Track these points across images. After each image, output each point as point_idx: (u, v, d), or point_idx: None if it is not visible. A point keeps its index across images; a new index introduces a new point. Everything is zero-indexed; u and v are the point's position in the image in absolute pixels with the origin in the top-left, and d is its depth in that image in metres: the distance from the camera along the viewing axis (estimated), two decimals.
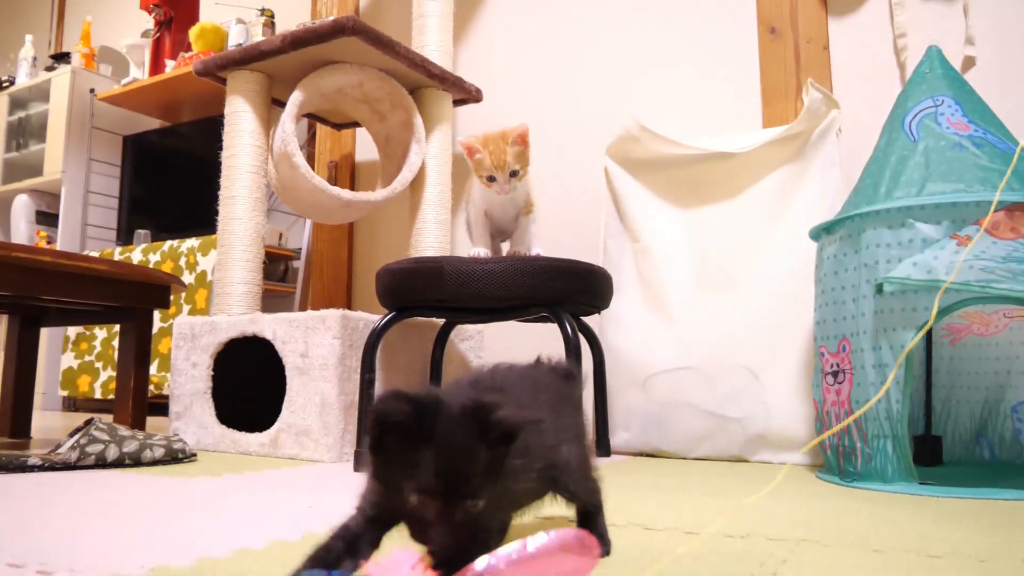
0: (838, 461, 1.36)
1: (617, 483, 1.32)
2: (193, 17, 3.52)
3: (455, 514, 0.54)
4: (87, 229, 3.57)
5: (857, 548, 0.80)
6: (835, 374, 1.37)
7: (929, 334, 1.57)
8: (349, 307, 2.71)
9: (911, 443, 1.56)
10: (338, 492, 1.17)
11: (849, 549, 0.80)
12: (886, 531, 0.90)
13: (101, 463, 1.41)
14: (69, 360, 3.16)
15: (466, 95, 2.18)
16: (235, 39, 3.16)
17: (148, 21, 3.63)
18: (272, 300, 2.99)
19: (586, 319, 1.78)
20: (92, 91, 3.61)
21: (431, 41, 2.17)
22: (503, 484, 0.56)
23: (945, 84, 1.42)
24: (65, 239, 3.50)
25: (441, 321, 1.83)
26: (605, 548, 0.74)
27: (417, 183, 2.06)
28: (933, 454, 1.55)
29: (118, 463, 1.43)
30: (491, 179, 1.55)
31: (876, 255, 1.29)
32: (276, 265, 3.10)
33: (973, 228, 1.22)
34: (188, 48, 3.33)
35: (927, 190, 1.28)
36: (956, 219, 1.24)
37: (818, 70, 1.92)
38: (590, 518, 0.75)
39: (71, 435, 1.47)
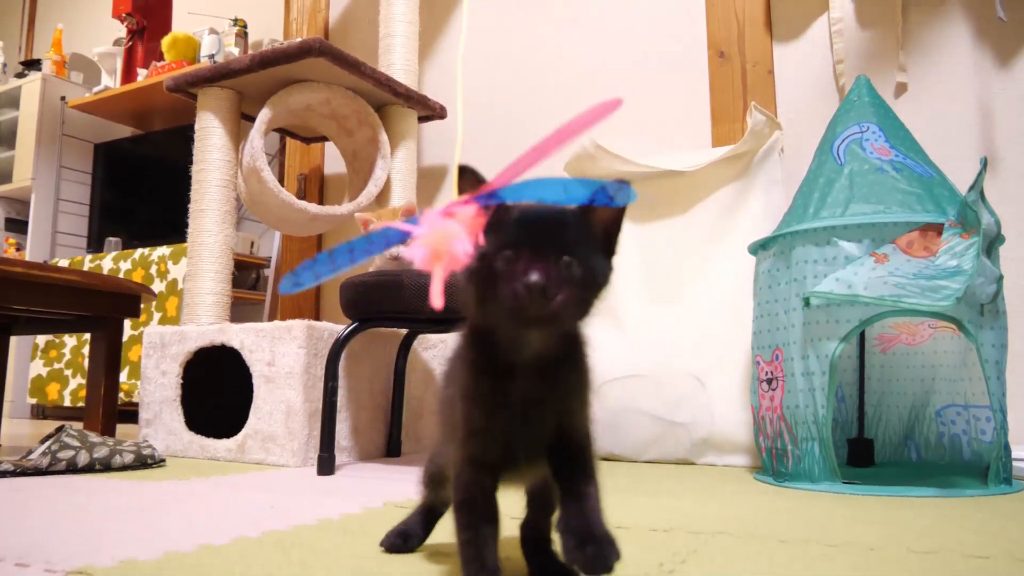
0: (772, 463, 1.46)
1: None
2: (166, 26, 3.57)
3: (548, 266, 0.48)
4: (57, 236, 3.59)
5: (764, 539, 0.89)
6: (769, 381, 1.47)
7: (862, 343, 1.68)
8: (318, 317, 2.77)
9: (846, 446, 1.68)
10: (300, 494, 1.24)
11: (757, 540, 0.89)
12: (797, 525, 0.99)
13: (72, 468, 1.46)
14: (38, 368, 3.18)
15: (431, 112, 2.26)
16: (207, 49, 3.21)
17: (120, 29, 3.67)
18: (243, 308, 3.04)
19: None
20: (63, 98, 3.64)
21: (397, 60, 2.25)
22: (595, 262, 0.50)
23: (871, 111, 1.53)
24: (35, 246, 3.51)
25: (404, 331, 1.91)
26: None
27: (383, 197, 2.13)
28: (866, 456, 1.66)
29: (89, 468, 1.48)
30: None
31: (804, 270, 1.40)
32: (247, 273, 3.15)
33: (890, 247, 1.32)
34: (160, 57, 3.37)
35: (850, 211, 1.39)
36: (875, 238, 1.34)
37: (763, 93, 2.03)
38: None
39: (42, 442, 1.52)
